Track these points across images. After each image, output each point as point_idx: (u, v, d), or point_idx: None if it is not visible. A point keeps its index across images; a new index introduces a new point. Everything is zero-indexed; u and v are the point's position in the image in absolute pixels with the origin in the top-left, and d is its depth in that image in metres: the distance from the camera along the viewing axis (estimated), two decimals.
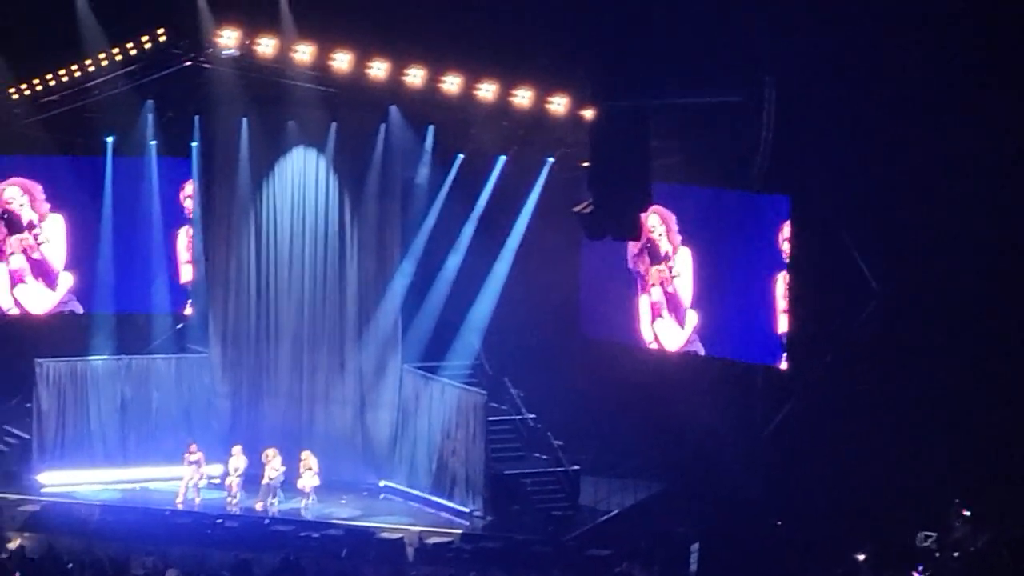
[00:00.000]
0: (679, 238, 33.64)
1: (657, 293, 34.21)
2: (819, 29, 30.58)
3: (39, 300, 36.10)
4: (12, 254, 35.88)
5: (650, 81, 21.93)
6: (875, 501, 30.16)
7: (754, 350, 32.81)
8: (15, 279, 35.91)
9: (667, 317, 34.06)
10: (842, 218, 31.66)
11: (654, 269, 34.18)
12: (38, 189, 35.87)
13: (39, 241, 35.93)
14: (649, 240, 33.93)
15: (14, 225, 35.88)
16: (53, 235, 36.07)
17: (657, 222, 33.79)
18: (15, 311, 35.90)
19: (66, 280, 36.18)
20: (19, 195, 35.84)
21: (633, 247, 33.87)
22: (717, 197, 33.34)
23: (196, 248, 36.54)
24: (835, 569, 27.33)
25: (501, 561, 30.56)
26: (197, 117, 35.85)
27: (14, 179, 35.80)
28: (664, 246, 33.91)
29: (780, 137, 31.65)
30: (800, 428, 32.39)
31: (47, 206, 35.98)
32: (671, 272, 33.88)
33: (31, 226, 35.90)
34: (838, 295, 31.93)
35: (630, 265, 34.29)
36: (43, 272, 36.06)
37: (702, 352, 33.60)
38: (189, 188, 36.53)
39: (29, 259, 35.97)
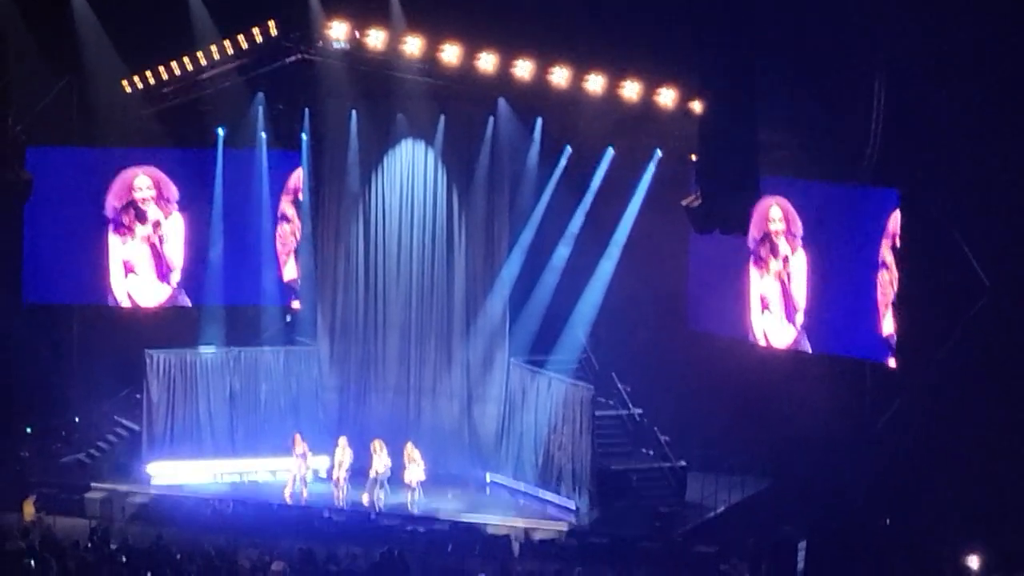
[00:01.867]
0: (799, 235, 33.16)
1: (770, 284, 33.78)
2: (930, 18, 30.12)
3: (150, 293, 36.35)
4: (130, 243, 36.11)
5: (759, 73, 21.73)
6: (986, 501, 29.68)
7: (862, 347, 32.38)
8: (129, 269, 36.18)
9: (776, 312, 33.66)
10: (952, 212, 31.17)
11: (772, 260, 33.74)
12: (168, 183, 36.14)
13: (160, 236, 36.17)
14: (768, 231, 33.51)
15: (139, 215, 36.14)
16: (173, 232, 36.32)
17: (779, 216, 33.33)
18: (126, 304, 36.17)
19: (177, 276, 36.41)
20: (148, 187, 36.12)
21: (754, 233, 33.41)
22: (826, 190, 32.93)
23: (304, 240, 36.61)
24: (945, 570, 26.94)
25: (607, 557, 30.47)
26: (307, 109, 36.06)
27: (146, 168, 36.05)
28: (783, 242, 33.45)
29: (890, 130, 31.22)
30: (909, 426, 31.94)
31: (175, 204, 36.22)
32: (787, 267, 33.45)
33: (157, 224, 36.13)
34: (948, 291, 31.44)
35: (751, 245, 33.72)
36: (158, 265, 36.31)
37: (808, 349, 33.22)
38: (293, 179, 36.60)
39: (150, 250, 36.19)
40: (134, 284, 36.24)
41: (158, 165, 36.12)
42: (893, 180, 31.30)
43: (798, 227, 33.00)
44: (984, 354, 31.00)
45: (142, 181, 36.07)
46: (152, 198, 36.12)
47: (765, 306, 33.91)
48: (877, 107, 31.25)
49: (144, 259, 36.21)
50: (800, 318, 33.26)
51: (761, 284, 33.93)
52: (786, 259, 33.50)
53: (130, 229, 36.08)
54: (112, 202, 35.94)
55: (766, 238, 33.62)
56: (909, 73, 30.75)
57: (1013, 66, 29.74)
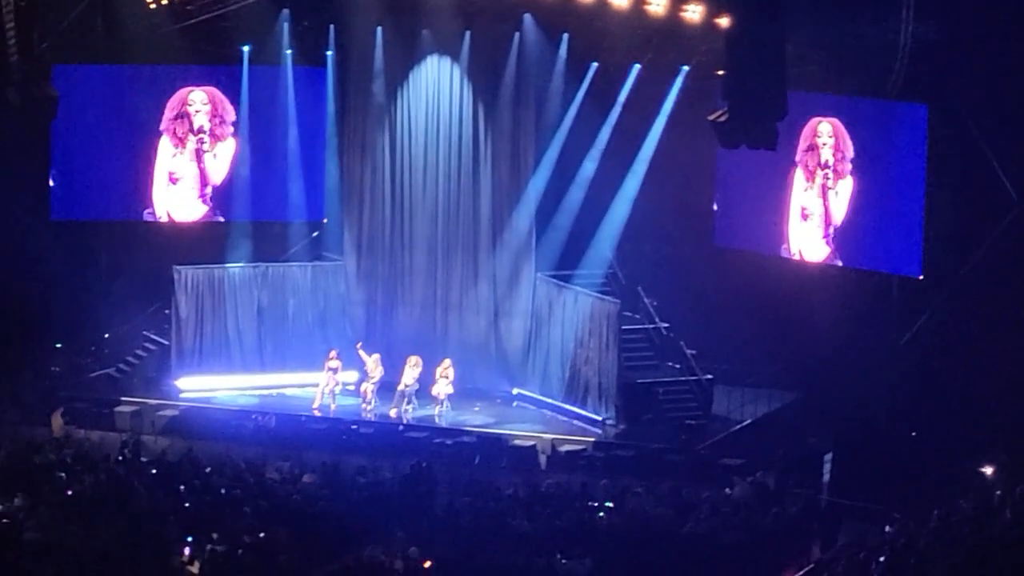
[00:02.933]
0: (848, 159, 32.96)
1: (811, 199, 33.52)
2: None
3: (188, 209, 36.32)
4: (175, 157, 36.11)
5: None
6: (1011, 414, 29.80)
7: (892, 261, 32.40)
8: (172, 180, 36.12)
9: (814, 228, 33.41)
10: (981, 125, 31.10)
11: (819, 173, 33.51)
12: (224, 102, 36.09)
13: (206, 153, 36.13)
14: (815, 145, 33.30)
15: (191, 127, 36.11)
16: (223, 154, 36.25)
17: (828, 131, 33.07)
18: (164, 218, 36.20)
19: (212, 192, 36.39)
20: (203, 103, 36.08)
21: (804, 143, 33.28)
22: (856, 105, 32.84)
23: (330, 157, 36.65)
24: (969, 480, 27.11)
25: (633, 469, 30.71)
26: (332, 26, 35.94)
27: (205, 87, 36.00)
28: (827, 157, 33.20)
29: (918, 44, 31.08)
30: (935, 339, 32.03)
31: (230, 127, 36.19)
32: (830, 182, 33.23)
33: (200, 130, 36.08)
34: (976, 204, 31.44)
35: (797, 158, 33.57)
36: (201, 183, 36.26)
37: (840, 263, 33.23)
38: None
39: (193, 165, 36.17)
40: (174, 196, 36.11)
41: (217, 83, 36.00)
42: (922, 95, 31.20)
43: (848, 147, 32.79)
44: (1011, 267, 31.04)
45: (197, 96, 35.94)
46: (206, 113, 36.04)
47: (805, 217, 33.71)
48: (905, 22, 31.08)
49: (188, 174, 36.14)
50: (836, 232, 33.16)
51: (804, 196, 33.71)
52: (832, 175, 33.21)
53: (182, 141, 36.01)
54: (168, 114, 35.83)
55: (814, 153, 33.39)
56: None
57: None
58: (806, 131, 33.06)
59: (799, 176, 33.65)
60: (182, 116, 35.88)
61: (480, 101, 35.56)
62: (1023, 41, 30.08)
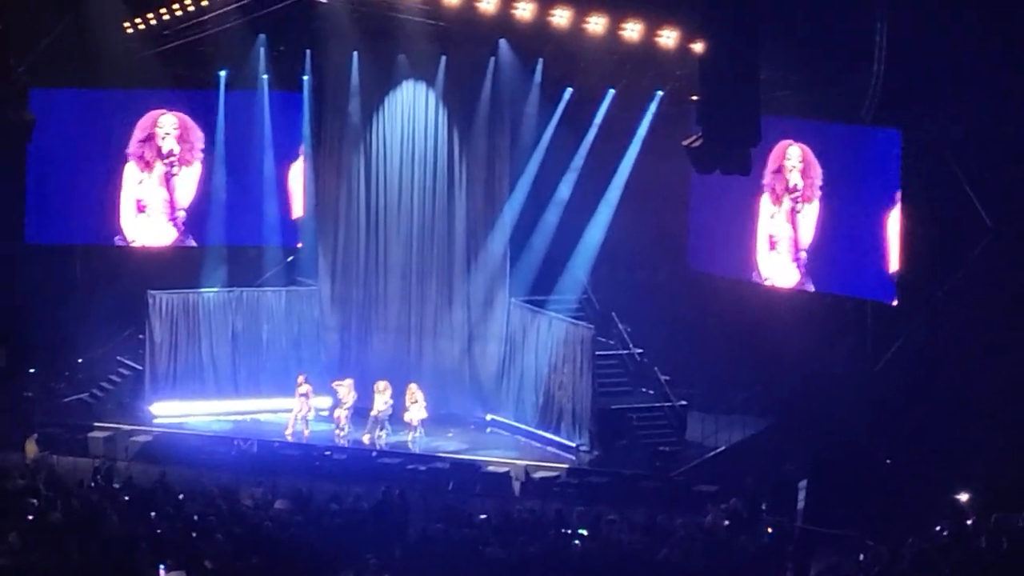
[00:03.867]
0: (816, 177, 33.04)
1: (779, 224, 33.64)
2: None
3: (158, 234, 36.32)
4: (143, 183, 36.05)
5: (760, 12, 21.70)
6: (986, 440, 29.82)
7: (865, 286, 32.45)
8: (140, 208, 36.10)
9: (784, 252, 33.55)
10: (955, 151, 31.19)
11: (787, 198, 33.65)
12: (193, 127, 36.11)
13: (172, 179, 36.09)
14: (782, 168, 33.40)
15: (159, 153, 36.07)
16: (190, 176, 36.22)
17: (797, 155, 33.19)
18: (135, 242, 36.16)
19: (183, 216, 36.36)
20: (173, 127, 36.06)
21: (772, 165, 33.39)
22: (829, 130, 32.92)
23: (307, 182, 36.66)
24: (944, 508, 27.09)
25: (608, 496, 30.61)
26: (308, 51, 36.04)
27: (173, 111, 36.03)
28: (795, 181, 33.31)
29: (892, 70, 31.18)
30: (910, 365, 32.05)
31: (199, 153, 36.16)
32: (798, 206, 33.32)
33: (170, 154, 36.04)
34: (951, 231, 31.50)
35: (764, 181, 33.72)
36: (170, 206, 36.23)
37: (812, 289, 33.30)
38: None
39: (160, 191, 36.10)
40: (143, 223, 36.13)
41: (183, 108, 35.99)
42: (895, 120, 31.29)
43: (816, 173, 32.88)
44: (985, 294, 31.09)
45: (167, 120, 35.98)
46: (173, 136, 36.03)
47: (773, 245, 33.84)
48: (879, 47, 31.19)
49: (156, 199, 36.13)
50: (806, 257, 33.27)
51: (771, 223, 33.86)
52: (797, 198, 33.37)
53: (149, 165, 36.01)
54: (136, 136, 35.84)
55: (780, 176, 33.50)
56: (911, 12, 30.68)
57: (1015, 4, 29.68)
58: (774, 154, 33.13)
59: (766, 200, 33.76)
60: (149, 139, 35.87)
61: (455, 126, 35.60)
62: (996, 67, 30.17)
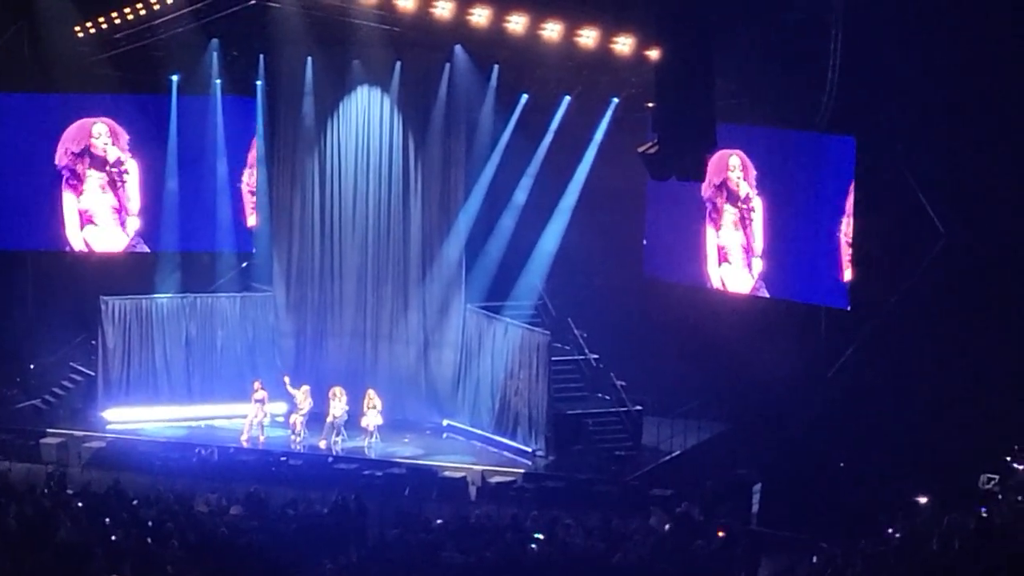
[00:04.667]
0: (756, 186, 33.34)
1: (727, 235, 33.96)
2: None
3: (109, 241, 36.28)
4: (85, 193, 35.98)
5: (715, 20, 21.77)
6: (938, 443, 30.01)
7: (818, 292, 32.65)
8: (85, 219, 36.08)
9: (735, 262, 33.87)
10: (908, 159, 31.40)
11: (729, 209, 33.89)
12: (122, 131, 36.01)
13: (120, 181, 36.01)
14: (727, 180, 33.70)
15: (95, 162, 35.99)
16: (130, 181, 36.20)
17: (737, 164, 33.52)
18: (84, 249, 36.09)
19: (135, 222, 36.33)
20: (105, 133, 35.97)
21: (712, 180, 33.58)
22: (783, 138, 33.12)
23: (260, 187, 36.60)
24: (897, 510, 27.25)
25: (563, 500, 30.63)
26: (262, 56, 35.98)
27: (104, 118, 35.88)
28: (742, 190, 33.60)
29: (846, 78, 31.38)
30: (863, 370, 32.27)
31: (127, 152, 36.14)
32: (745, 217, 33.61)
33: (117, 163, 35.97)
34: (903, 237, 31.71)
35: (705, 195, 33.93)
36: (116, 213, 36.19)
37: (766, 294, 33.48)
38: None
39: (103, 199, 36.04)
40: (92, 233, 36.13)
41: (111, 113, 35.93)
42: (849, 128, 31.49)
43: (754, 176, 33.16)
44: (938, 299, 31.31)
45: (98, 129, 35.91)
46: (105, 147, 35.98)
47: (724, 258, 34.11)
48: (834, 55, 31.38)
49: (103, 207, 36.06)
50: (758, 265, 33.48)
51: (718, 236, 34.12)
52: (744, 207, 33.66)
53: (81, 179, 35.91)
54: (68, 149, 35.76)
55: (724, 187, 33.78)
56: (865, 21, 30.88)
57: (966, 14, 29.90)
58: (716, 166, 33.28)
59: (710, 222, 34.01)
60: (85, 152, 35.73)
61: (411, 131, 35.58)
62: (948, 76, 30.38)
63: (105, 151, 35.96)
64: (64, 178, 35.87)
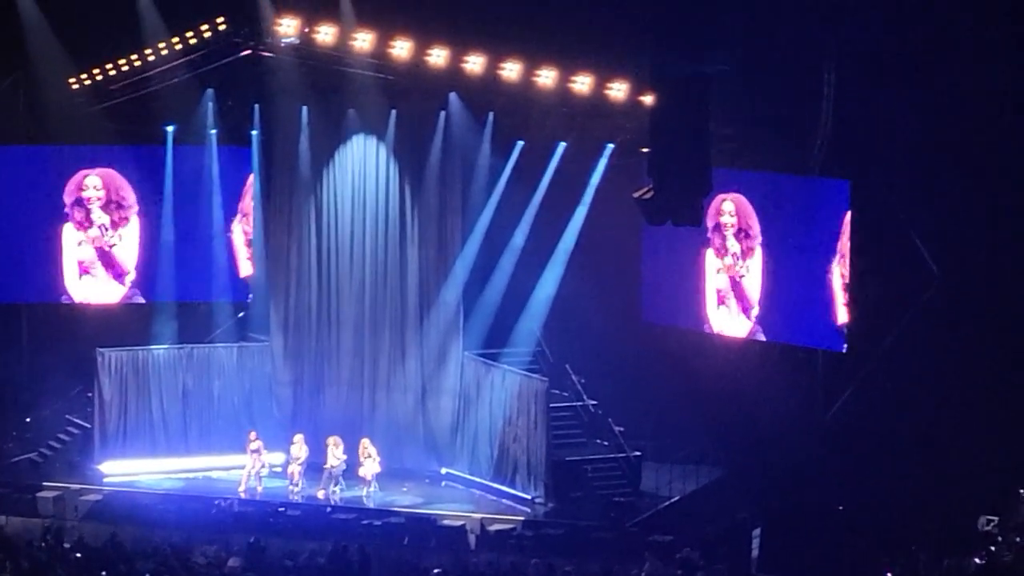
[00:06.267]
0: (753, 229, 33.34)
1: (724, 280, 34.03)
2: (878, 11, 30.41)
3: (105, 292, 36.24)
4: (82, 244, 36.00)
5: (709, 65, 21.83)
6: (936, 486, 29.98)
7: (815, 335, 32.66)
8: (83, 269, 36.06)
9: (733, 306, 33.91)
10: (902, 202, 31.48)
11: (727, 257, 33.92)
12: (123, 185, 36.00)
13: (109, 241, 36.01)
14: (720, 224, 33.75)
15: (89, 214, 35.99)
16: (128, 233, 36.17)
17: (731, 209, 33.55)
18: (81, 301, 36.05)
19: (131, 275, 36.28)
20: (96, 187, 35.95)
21: (710, 221, 33.63)
22: (777, 182, 33.19)
23: (256, 237, 36.60)
24: (897, 554, 27.19)
25: (563, 547, 30.53)
26: (257, 106, 36.01)
27: (99, 170, 35.91)
28: (738, 234, 33.62)
29: (839, 122, 31.50)
30: (861, 413, 32.25)
31: (132, 207, 36.08)
32: (739, 260, 33.66)
33: (112, 215, 35.96)
34: (898, 280, 31.76)
35: (701, 239, 33.98)
36: (112, 266, 36.17)
37: (763, 338, 33.49)
38: None
39: (100, 252, 36.10)
40: (89, 284, 36.10)
41: (113, 165, 35.94)
42: (843, 172, 31.59)
43: (752, 221, 33.22)
44: (933, 342, 31.34)
45: (92, 181, 35.93)
46: (99, 200, 35.94)
47: (721, 300, 34.15)
48: (827, 100, 31.53)
49: (97, 261, 36.07)
50: (755, 310, 33.50)
51: (717, 278, 34.17)
52: (737, 253, 33.72)
53: (83, 226, 35.94)
54: (64, 201, 35.79)
55: (718, 231, 33.86)
56: (858, 66, 31.03)
57: (959, 59, 30.05)
58: (710, 211, 33.38)
59: (711, 255, 34.06)
60: (79, 203, 35.77)
61: (406, 179, 35.62)
62: (941, 118, 30.49)
63: (99, 203, 35.91)
64: (62, 227, 35.81)
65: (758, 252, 33.38)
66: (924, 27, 30.29)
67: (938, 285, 31.52)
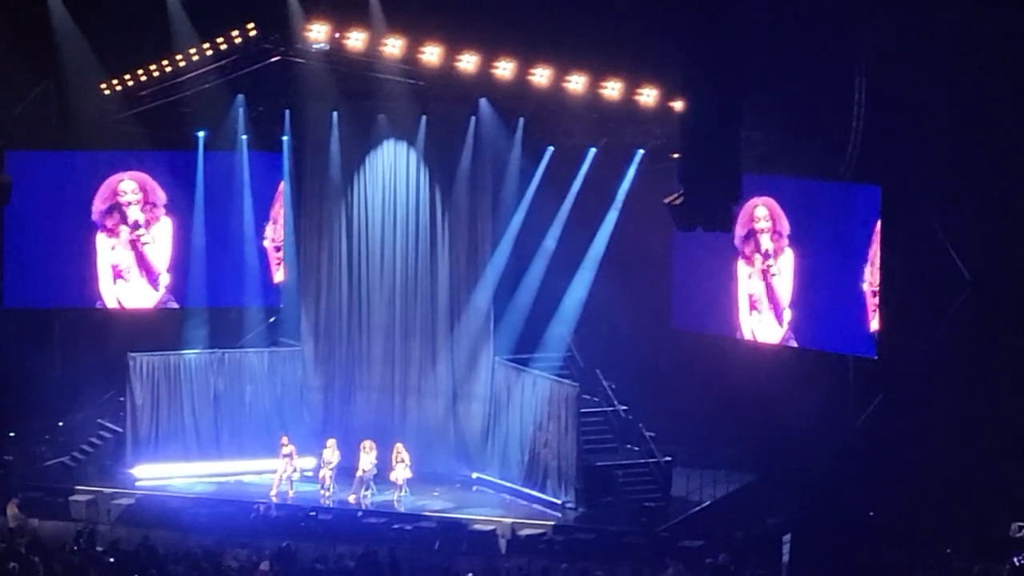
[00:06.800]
0: (785, 234, 33.30)
1: (756, 284, 33.96)
2: (909, 15, 30.33)
3: (140, 297, 36.37)
4: (115, 249, 36.11)
5: (740, 70, 21.82)
6: (968, 491, 29.90)
7: (846, 341, 32.59)
8: (117, 273, 36.19)
9: (765, 312, 33.86)
10: (933, 207, 31.40)
11: (758, 259, 33.88)
12: (155, 187, 36.13)
13: (144, 241, 36.14)
14: (754, 230, 33.70)
15: (124, 219, 36.13)
16: (160, 236, 36.31)
17: (765, 214, 33.50)
18: (115, 306, 36.18)
19: (166, 278, 36.41)
20: (133, 191, 36.09)
21: (740, 229, 33.60)
22: (808, 188, 33.15)
23: (287, 242, 36.68)
24: (928, 560, 27.12)
25: (593, 553, 30.54)
26: (287, 111, 36.07)
27: (132, 173, 36.05)
28: (770, 240, 33.56)
29: (870, 126, 31.44)
30: (892, 418, 32.18)
31: (162, 208, 36.22)
32: (772, 266, 33.58)
33: (136, 225, 36.13)
34: (930, 285, 31.67)
35: (735, 245, 33.95)
36: (147, 270, 36.30)
37: (795, 344, 33.43)
38: None
39: (136, 256, 36.21)
40: (123, 289, 36.22)
41: (144, 169, 36.07)
42: (874, 177, 31.51)
43: (784, 226, 33.18)
44: (965, 348, 31.26)
45: (127, 185, 36.06)
46: (137, 202, 36.11)
47: (753, 306, 34.11)
48: (858, 104, 31.47)
49: (132, 264, 36.20)
50: (788, 315, 33.44)
51: (749, 283, 34.12)
52: (770, 257, 33.65)
53: (115, 232, 36.06)
54: (98, 205, 35.93)
55: (751, 237, 33.80)
56: (889, 70, 30.97)
57: (991, 62, 29.96)
58: (743, 216, 33.33)
59: (742, 266, 33.98)
60: (114, 208, 35.88)
61: (437, 185, 35.66)
62: (973, 123, 30.41)
63: (132, 207, 36.05)
64: (98, 230, 35.92)
65: (789, 252, 33.29)
66: (956, 32, 30.20)
67: (970, 291, 31.43)
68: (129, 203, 36.09)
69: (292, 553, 28.50)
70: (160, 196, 36.16)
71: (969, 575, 25.72)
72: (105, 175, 35.91)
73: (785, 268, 33.39)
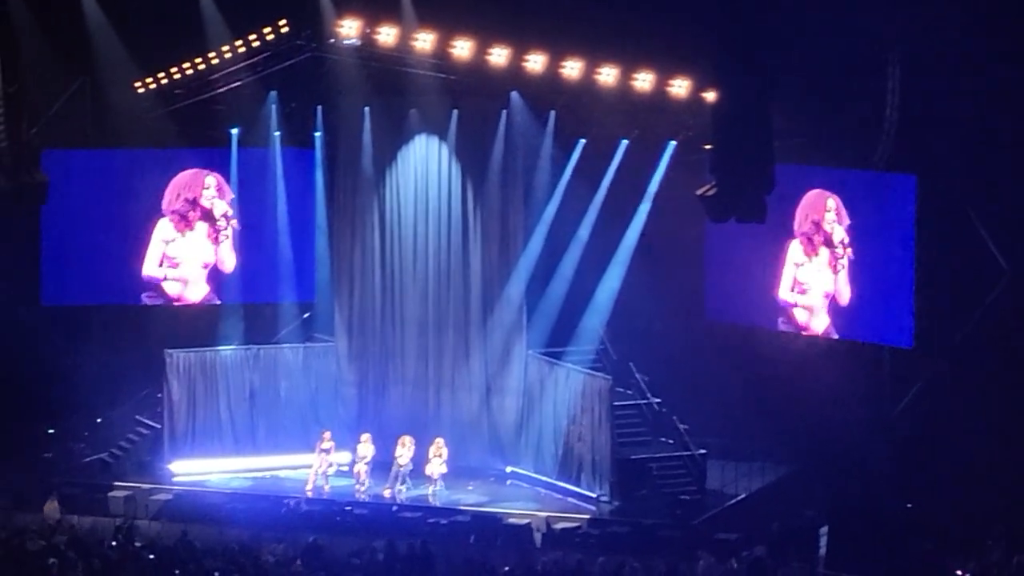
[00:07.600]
0: (848, 231, 33.00)
1: (812, 273, 33.48)
2: (943, 4, 30.20)
3: (192, 291, 36.45)
4: (175, 240, 36.08)
5: (772, 60, 21.78)
6: (1007, 482, 29.76)
7: (883, 331, 32.44)
8: (171, 263, 36.14)
9: (815, 301, 33.41)
10: (969, 196, 31.25)
11: (824, 251, 33.48)
12: (228, 190, 36.27)
13: (224, 235, 36.23)
14: (822, 220, 33.31)
15: (202, 213, 36.24)
16: (233, 237, 36.47)
17: (834, 207, 33.06)
18: (161, 302, 36.22)
19: (219, 276, 36.48)
20: (216, 188, 36.21)
21: (809, 214, 33.32)
22: (843, 177, 32.99)
23: (320, 237, 36.74)
24: (967, 551, 27.02)
25: (629, 546, 30.54)
26: (320, 107, 36.14)
27: (213, 172, 36.18)
28: (837, 234, 33.23)
29: (906, 115, 31.30)
30: (929, 409, 32.05)
31: (230, 206, 36.39)
32: (838, 257, 33.22)
33: (224, 216, 36.26)
34: (966, 274, 31.53)
35: (798, 231, 33.54)
36: (207, 266, 36.31)
37: (836, 335, 33.24)
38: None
39: (214, 248, 36.31)
40: (174, 280, 36.20)
41: (211, 167, 36.15)
42: (910, 166, 31.37)
43: (847, 221, 32.88)
44: (1002, 337, 31.11)
45: (211, 180, 36.14)
46: (226, 200, 36.20)
47: (802, 291, 33.70)
48: (892, 93, 31.34)
49: (194, 256, 36.20)
50: (837, 306, 33.16)
51: (800, 271, 33.73)
52: (839, 250, 33.19)
53: (189, 224, 36.07)
54: (172, 197, 35.89)
55: (820, 228, 33.36)
56: (923, 58, 30.81)
57: None
58: (809, 204, 33.11)
59: (796, 249, 33.70)
60: (194, 202, 35.95)
61: (469, 179, 35.68)
62: (1008, 111, 30.27)
63: (216, 206, 36.14)
64: (158, 221, 35.93)
65: (851, 251, 33.03)
66: (991, 19, 30.03)
67: (1007, 280, 31.28)
68: (214, 197, 36.14)
69: (320, 548, 28.55)
70: (228, 193, 36.24)
71: (1008, 566, 25.60)
72: (171, 171, 35.92)
73: (846, 263, 33.06)
